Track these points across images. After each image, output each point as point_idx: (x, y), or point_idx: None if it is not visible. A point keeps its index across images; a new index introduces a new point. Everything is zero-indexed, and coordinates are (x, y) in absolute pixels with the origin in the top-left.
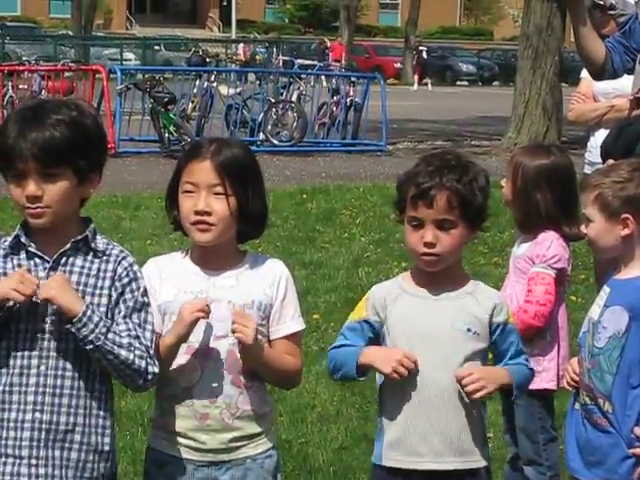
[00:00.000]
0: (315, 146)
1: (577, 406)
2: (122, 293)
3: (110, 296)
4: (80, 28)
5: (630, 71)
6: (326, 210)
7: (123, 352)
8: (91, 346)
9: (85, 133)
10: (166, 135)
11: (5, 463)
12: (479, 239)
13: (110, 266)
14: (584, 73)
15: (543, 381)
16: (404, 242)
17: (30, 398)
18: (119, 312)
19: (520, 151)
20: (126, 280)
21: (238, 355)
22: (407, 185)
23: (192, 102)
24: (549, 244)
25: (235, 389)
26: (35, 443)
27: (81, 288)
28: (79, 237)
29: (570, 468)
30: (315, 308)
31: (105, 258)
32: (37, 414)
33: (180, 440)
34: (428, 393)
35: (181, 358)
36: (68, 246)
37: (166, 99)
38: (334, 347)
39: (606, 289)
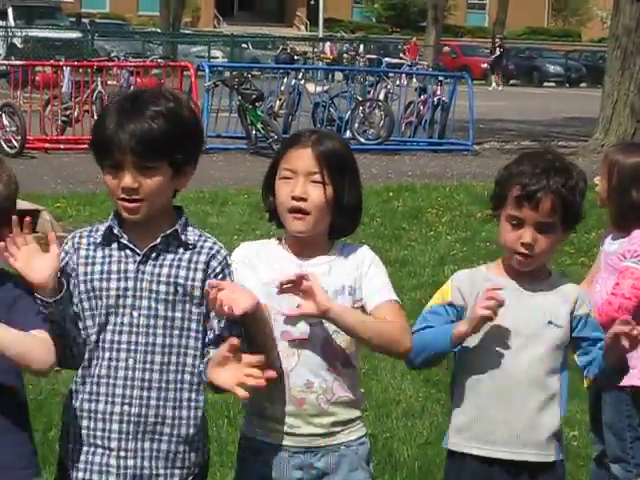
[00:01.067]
0: (402, 145)
1: None
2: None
3: (202, 289)
4: (168, 25)
5: None
6: (412, 208)
7: None
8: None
9: (183, 125)
10: (253, 132)
11: (94, 453)
12: (566, 240)
13: (202, 257)
14: None
15: (632, 378)
16: (497, 238)
17: (119, 391)
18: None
19: (614, 149)
20: (220, 276)
21: (336, 341)
22: (510, 183)
23: (279, 100)
24: None
25: (331, 374)
26: (124, 435)
27: (172, 280)
28: (168, 231)
29: None
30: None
31: (197, 250)
32: (126, 407)
33: (276, 426)
34: (504, 382)
35: (278, 343)
36: (158, 241)
37: (254, 96)
38: (417, 330)
39: None
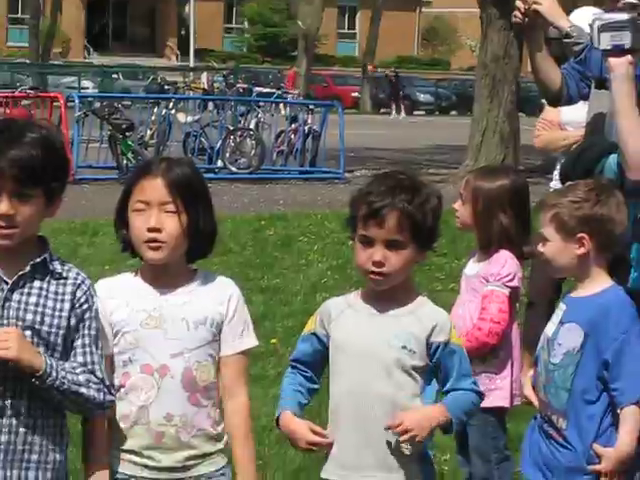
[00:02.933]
0: (273, 173)
1: (536, 421)
2: (82, 319)
3: (69, 319)
4: (38, 56)
5: (585, 97)
6: (284, 237)
7: (83, 390)
8: (55, 392)
9: (57, 153)
10: (124, 162)
11: None
12: (436, 266)
13: (69, 289)
14: None
15: (496, 399)
16: (355, 259)
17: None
18: (78, 340)
19: (476, 174)
20: (85, 306)
21: (194, 373)
22: (359, 203)
23: (150, 129)
24: (504, 262)
25: (191, 407)
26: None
27: (40, 309)
28: (38, 260)
29: (528, 478)
30: (273, 333)
31: (62, 281)
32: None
33: (135, 459)
34: (361, 408)
35: (137, 377)
36: (27, 269)
37: (124, 126)
38: (290, 360)
39: (562, 306)
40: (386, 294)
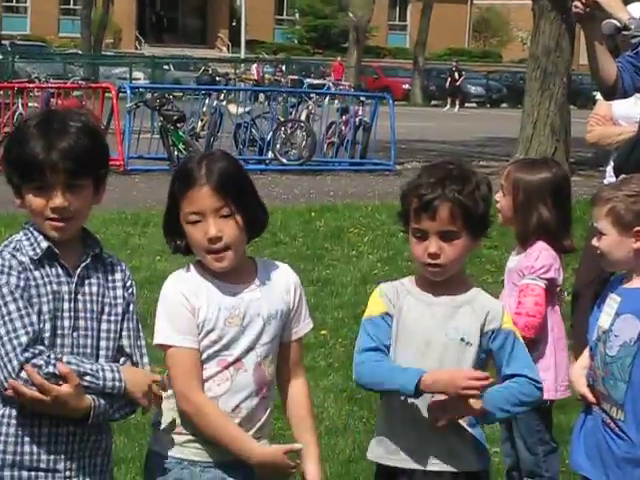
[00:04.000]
0: (324, 165)
1: (594, 411)
2: (128, 304)
3: (123, 305)
4: (89, 47)
5: None
6: (334, 228)
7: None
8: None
9: (100, 140)
10: (175, 153)
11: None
12: (487, 258)
13: (118, 275)
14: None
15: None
16: (411, 252)
17: None
18: (125, 322)
19: (517, 166)
20: (131, 290)
21: (263, 367)
22: (410, 197)
23: (201, 120)
24: (537, 255)
25: (256, 399)
26: (70, 455)
27: (100, 299)
28: (97, 250)
29: (580, 468)
30: (323, 324)
31: (111, 268)
32: (71, 427)
33: (201, 446)
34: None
35: (213, 370)
36: (89, 260)
37: (175, 117)
38: (365, 349)
39: (616, 298)
40: (442, 284)
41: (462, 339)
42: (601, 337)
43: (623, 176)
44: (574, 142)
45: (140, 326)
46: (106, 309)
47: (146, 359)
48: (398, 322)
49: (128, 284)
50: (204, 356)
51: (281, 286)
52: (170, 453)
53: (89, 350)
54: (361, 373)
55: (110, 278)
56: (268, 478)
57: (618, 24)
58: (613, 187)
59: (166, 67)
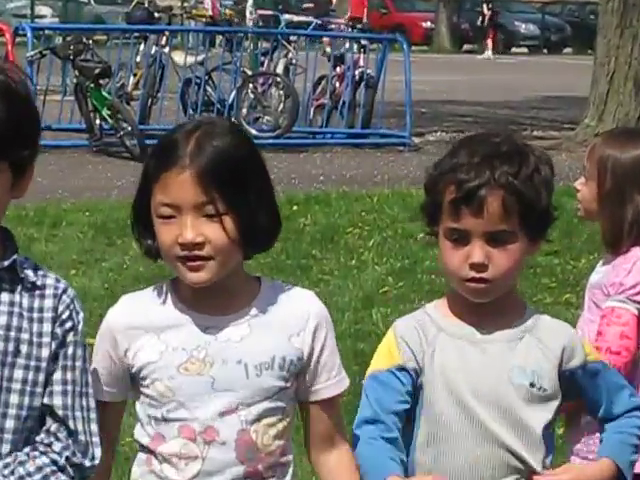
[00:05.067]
0: (310, 138)
1: None
2: (63, 344)
3: (51, 345)
4: None
5: None
6: (326, 227)
7: None
8: None
9: (24, 109)
10: (97, 122)
11: None
12: (544, 269)
13: (48, 302)
14: None
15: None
16: (440, 264)
17: None
18: (57, 372)
19: (603, 140)
20: (69, 325)
21: (253, 437)
22: (442, 184)
23: (134, 75)
24: (629, 268)
25: None
26: None
27: (13, 334)
28: (5, 263)
29: None
30: None
31: (39, 292)
32: None
33: None
34: (483, 464)
35: (174, 443)
36: None
37: (97, 71)
38: (361, 421)
39: None
40: (489, 309)
41: (532, 384)
42: None
43: None
44: None
45: (89, 379)
46: (23, 349)
47: (94, 426)
48: (430, 381)
49: (64, 316)
50: (158, 415)
51: (291, 321)
52: None
53: None
54: (356, 454)
55: (29, 305)
56: None
57: None
58: None
59: (84, 0)
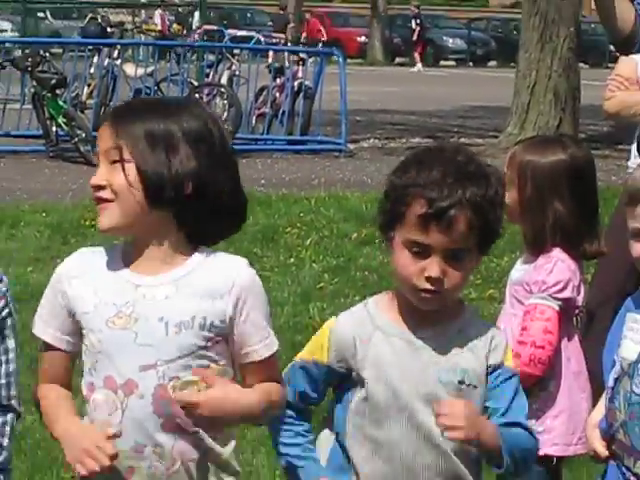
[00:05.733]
0: (252, 144)
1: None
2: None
3: None
4: None
5: None
6: (267, 228)
7: None
8: None
9: None
10: (53, 128)
11: None
12: None
13: None
14: None
15: (545, 445)
16: (394, 267)
17: None
18: None
19: (523, 147)
20: (5, 312)
21: (171, 392)
22: (410, 197)
23: (88, 86)
24: (551, 267)
25: (169, 436)
26: None
27: None
28: None
29: None
30: None
31: None
32: None
33: None
34: (405, 458)
35: (97, 394)
36: None
37: (53, 81)
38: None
39: None
40: (428, 311)
41: (461, 381)
42: (624, 371)
43: None
44: (585, 112)
45: (11, 356)
46: None
47: (14, 402)
48: (367, 374)
49: (0, 305)
50: (89, 364)
51: (216, 285)
52: None
53: None
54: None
55: None
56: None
57: None
58: None
59: (41, 14)
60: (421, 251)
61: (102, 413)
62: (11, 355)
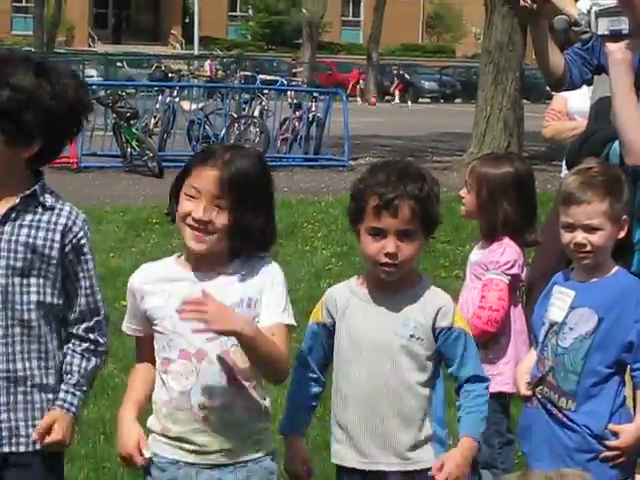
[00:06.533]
0: (277, 161)
1: (537, 404)
2: (81, 253)
3: (62, 250)
4: (42, 45)
5: (589, 82)
6: (288, 224)
7: (90, 372)
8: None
9: (23, 96)
10: (128, 150)
11: None
12: (440, 252)
13: (62, 220)
14: None
15: (498, 384)
16: (361, 251)
17: None
18: (81, 279)
19: (480, 162)
20: (83, 241)
21: (232, 356)
22: (366, 194)
23: (154, 117)
24: (502, 251)
25: (233, 390)
26: None
27: (31, 241)
28: (27, 192)
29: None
30: None
31: (56, 212)
32: None
33: (181, 444)
34: (373, 399)
35: (176, 363)
36: (17, 201)
37: (128, 114)
38: (296, 357)
39: (568, 291)
40: (390, 282)
41: (412, 335)
42: (553, 329)
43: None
44: (527, 136)
45: (94, 282)
46: (38, 250)
47: (102, 310)
48: (342, 327)
49: (80, 234)
50: (165, 345)
51: (255, 276)
52: (165, 454)
53: (2, 289)
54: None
55: (47, 219)
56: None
57: (569, 19)
58: (588, 184)
59: (119, 64)
60: (378, 234)
61: (178, 382)
62: (91, 272)
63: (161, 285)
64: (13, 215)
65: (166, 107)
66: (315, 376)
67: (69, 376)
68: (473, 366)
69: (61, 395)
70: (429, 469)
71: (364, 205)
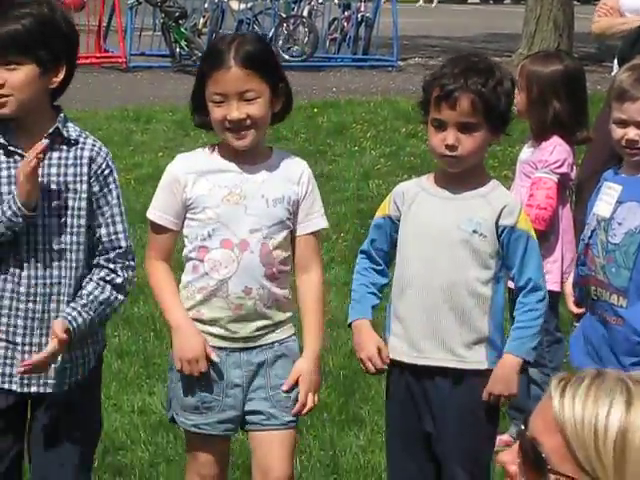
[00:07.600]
0: (326, 61)
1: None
2: (106, 185)
3: (90, 183)
4: None
5: None
6: (337, 124)
7: (105, 305)
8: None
9: (47, 25)
10: (177, 50)
11: None
12: (489, 153)
13: (86, 153)
14: None
15: (547, 283)
16: (429, 143)
17: (22, 289)
18: (104, 208)
19: (530, 60)
20: (107, 171)
21: (271, 247)
22: (432, 86)
23: (203, 17)
24: (552, 149)
25: (268, 280)
26: (29, 331)
27: (61, 179)
28: (50, 130)
29: (577, 363)
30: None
31: (80, 146)
32: (30, 304)
33: (212, 330)
34: (431, 292)
35: (217, 252)
36: (46, 142)
37: (177, 14)
38: (360, 250)
39: (615, 186)
40: (458, 177)
41: (475, 230)
42: (601, 225)
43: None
44: (577, 38)
45: (122, 209)
46: (70, 186)
47: (123, 242)
48: (408, 219)
49: (103, 166)
50: (205, 233)
51: (292, 175)
52: None
53: (40, 230)
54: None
55: (74, 155)
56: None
57: None
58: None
59: None
60: (440, 125)
61: (217, 271)
62: (113, 203)
63: (205, 175)
64: (41, 155)
65: (215, 6)
66: (380, 268)
67: (78, 299)
68: (532, 270)
69: (67, 310)
70: (479, 372)
71: (429, 97)
